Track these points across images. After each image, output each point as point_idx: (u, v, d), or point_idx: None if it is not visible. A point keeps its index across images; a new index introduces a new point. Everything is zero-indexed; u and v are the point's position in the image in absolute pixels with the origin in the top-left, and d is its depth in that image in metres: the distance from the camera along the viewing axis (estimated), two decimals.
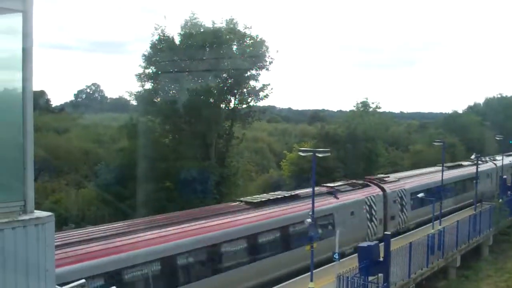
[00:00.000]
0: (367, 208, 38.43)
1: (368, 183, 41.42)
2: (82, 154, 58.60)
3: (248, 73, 46.35)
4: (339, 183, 40.39)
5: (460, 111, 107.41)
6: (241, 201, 31.98)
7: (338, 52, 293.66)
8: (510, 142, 66.68)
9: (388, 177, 45.24)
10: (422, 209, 43.66)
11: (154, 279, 22.86)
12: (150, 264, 22.74)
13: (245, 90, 46.86)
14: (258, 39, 46.30)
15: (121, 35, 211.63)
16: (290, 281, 28.96)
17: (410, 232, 41.37)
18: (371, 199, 39.12)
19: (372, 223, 38.83)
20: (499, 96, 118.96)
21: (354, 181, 41.44)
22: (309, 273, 26.61)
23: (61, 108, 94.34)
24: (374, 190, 40.49)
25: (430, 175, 49.54)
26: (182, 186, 41.01)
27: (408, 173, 50.69)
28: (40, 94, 78.89)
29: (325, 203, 34.56)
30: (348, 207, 36.16)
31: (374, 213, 39.06)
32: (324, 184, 39.15)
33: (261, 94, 47.25)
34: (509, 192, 52.44)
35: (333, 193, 36.70)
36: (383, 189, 41.19)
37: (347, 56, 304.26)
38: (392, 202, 41.32)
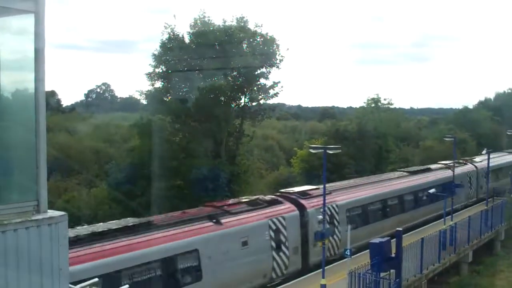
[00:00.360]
0: (468, 179, 53.45)
1: (466, 162, 56.20)
2: (93, 153, 58.76)
3: (258, 71, 46.19)
4: (448, 161, 53.11)
5: (471, 107, 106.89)
6: (402, 170, 48.45)
7: (347, 49, 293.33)
8: None
9: (476, 158, 58.65)
10: (498, 181, 57.33)
11: (376, 211, 38.56)
12: (373, 203, 38.28)
13: (255, 88, 46.73)
14: (268, 37, 46.13)
15: (131, 35, 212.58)
16: (302, 277, 29.04)
17: (422, 228, 41.51)
18: (469, 173, 54.18)
19: (471, 189, 54.23)
20: (510, 91, 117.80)
21: (457, 160, 53.06)
22: (321, 269, 26.65)
23: (72, 108, 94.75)
24: (471, 167, 55.51)
25: (499, 158, 62.20)
26: (193, 184, 41.00)
27: (484, 157, 59.51)
28: (51, 94, 79.24)
29: (447, 174, 48.57)
30: (459, 177, 47.90)
31: (472, 182, 54.47)
32: (439, 162, 54.47)
33: (271, 92, 47.07)
34: None
35: (449, 167, 49.92)
36: (476, 167, 55.85)
37: (356, 53, 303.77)
38: (481, 176, 55.28)
